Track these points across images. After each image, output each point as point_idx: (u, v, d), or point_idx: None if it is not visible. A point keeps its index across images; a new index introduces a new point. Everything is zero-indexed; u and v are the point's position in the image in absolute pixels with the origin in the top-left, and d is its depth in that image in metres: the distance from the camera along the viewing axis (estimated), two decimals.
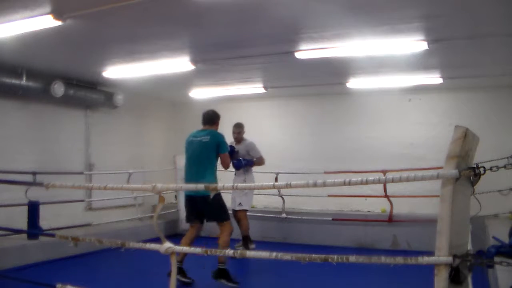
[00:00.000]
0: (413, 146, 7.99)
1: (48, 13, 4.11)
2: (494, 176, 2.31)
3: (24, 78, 6.44)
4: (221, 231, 4.96)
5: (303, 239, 7.42)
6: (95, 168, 8.00)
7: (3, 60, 5.98)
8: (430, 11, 4.21)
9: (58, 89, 6.81)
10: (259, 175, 7.04)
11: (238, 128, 6.67)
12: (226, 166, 5.14)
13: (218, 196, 4.82)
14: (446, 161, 1.95)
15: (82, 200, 7.58)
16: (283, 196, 7.72)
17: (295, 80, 7.75)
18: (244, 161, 6.46)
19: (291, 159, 8.38)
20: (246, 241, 6.65)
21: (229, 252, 2.79)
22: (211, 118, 5.17)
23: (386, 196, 7.14)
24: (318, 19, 4.49)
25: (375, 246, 7.21)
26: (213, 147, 4.92)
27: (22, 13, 4.12)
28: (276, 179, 7.60)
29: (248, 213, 6.74)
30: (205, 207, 4.90)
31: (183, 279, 4.89)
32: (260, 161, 6.63)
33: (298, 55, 5.65)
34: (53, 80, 6.75)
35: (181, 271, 4.84)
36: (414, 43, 5.11)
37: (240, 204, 6.56)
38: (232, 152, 6.30)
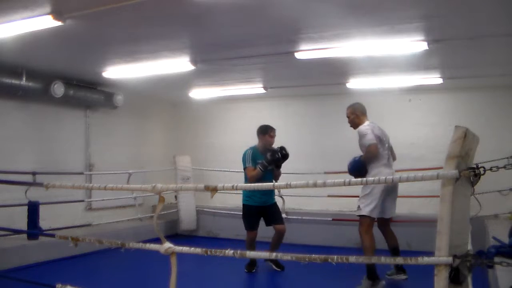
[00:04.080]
0: (413, 146, 7.96)
1: (48, 14, 4.10)
2: (494, 176, 2.30)
3: (24, 78, 6.43)
4: None
5: (303, 239, 7.41)
6: (95, 168, 8.00)
7: (3, 60, 5.97)
8: (430, 11, 4.21)
9: (58, 89, 6.81)
10: None
11: (347, 110, 5.39)
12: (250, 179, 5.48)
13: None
14: (446, 161, 1.95)
15: (82, 200, 7.57)
16: (283, 196, 7.72)
17: (295, 80, 7.75)
18: (352, 165, 5.10)
19: (291, 159, 8.31)
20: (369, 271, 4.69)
21: (229, 252, 2.80)
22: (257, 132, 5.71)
23: None
24: (318, 19, 4.48)
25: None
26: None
27: (22, 13, 4.11)
28: None
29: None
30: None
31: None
32: (366, 154, 4.93)
33: (298, 55, 5.65)
34: (53, 80, 6.75)
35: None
36: (414, 43, 5.10)
37: (358, 208, 4.89)
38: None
